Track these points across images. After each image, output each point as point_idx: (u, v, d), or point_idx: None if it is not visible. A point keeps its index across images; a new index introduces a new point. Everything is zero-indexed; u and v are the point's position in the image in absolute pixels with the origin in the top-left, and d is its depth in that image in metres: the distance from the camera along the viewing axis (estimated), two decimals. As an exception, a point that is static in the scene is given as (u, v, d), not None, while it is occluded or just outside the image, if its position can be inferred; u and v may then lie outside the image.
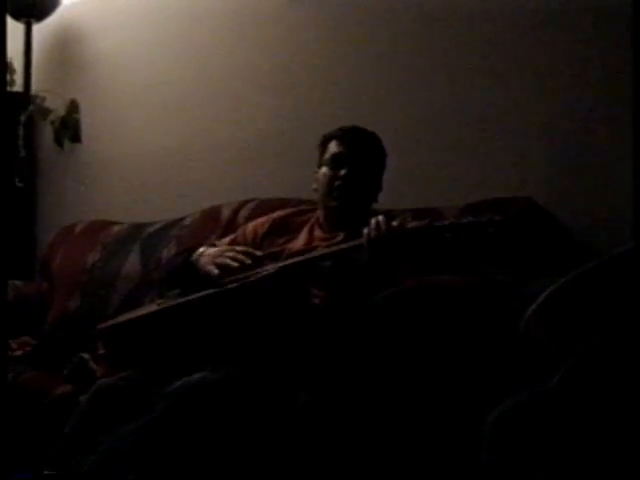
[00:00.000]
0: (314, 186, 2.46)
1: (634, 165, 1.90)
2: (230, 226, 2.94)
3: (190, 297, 2.31)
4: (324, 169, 2.42)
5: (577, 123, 2.53)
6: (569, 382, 1.51)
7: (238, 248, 2.37)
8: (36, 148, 3.98)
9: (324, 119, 2.92)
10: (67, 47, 3.94)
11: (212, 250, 2.41)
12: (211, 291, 2.27)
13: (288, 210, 2.63)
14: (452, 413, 1.95)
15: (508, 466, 1.53)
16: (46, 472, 2.18)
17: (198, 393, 2.03)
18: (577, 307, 1.62)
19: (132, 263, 3.17)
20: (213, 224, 3.04)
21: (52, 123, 3.81)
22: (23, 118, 3.79)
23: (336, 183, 2.38)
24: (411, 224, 2.19)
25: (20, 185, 3.80)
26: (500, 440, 1.56)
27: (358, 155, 2.39)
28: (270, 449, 2.03)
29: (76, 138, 3.80)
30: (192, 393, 2.03)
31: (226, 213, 3.05)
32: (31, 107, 3.79)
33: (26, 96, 3.80)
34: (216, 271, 2.30)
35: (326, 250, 2.32)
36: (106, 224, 3.45)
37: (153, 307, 2.42)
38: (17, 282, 3.35)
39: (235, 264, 2.29)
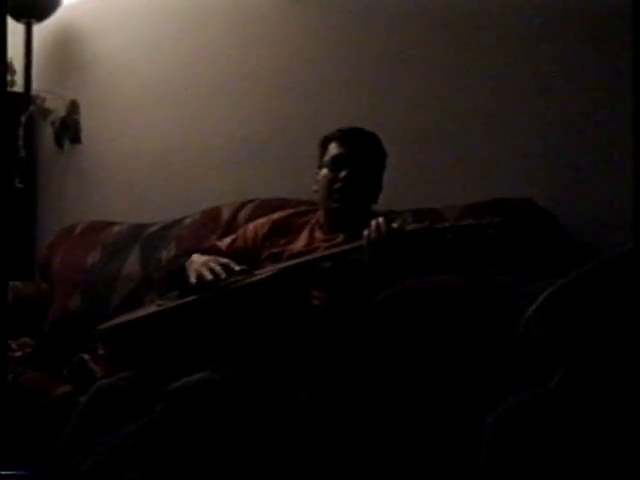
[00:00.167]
0: (314, 187, 2.46)
1: (634, 166, 1.90)
2: (230, 227, 2.94)
3: (190, 298, 2.31)
4: (324, 171, 2.42)
5: (577, 124, 2.53)
6: (569, 382, 1.52)
7: (221, 260, 2.36)
8: (36, 149, 3.98)
9: (324, 119, 2.92)
10: (67, 48, 3.94)
11: (202, 259, 2.41)
12: (211, 292, 2.27)
13: (288, 211, 2.63)
14: (452, 413, 1.95)
15: (508, 466, 1.53)
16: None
17: (197, 393, 2.03)
18: (577, 307, 1.62)
19: (132, 264, 3.17)
20: (213, 225, 3.04)
21: (52, 124, 3.82)
22: (23, 119, 3.79)
23: (336, 185, 2.38)
24: (411, 226, 2.19)
25: (20, 185, 3.80)
26: (500, 440, 1.56)
27: (358, 156, 2.39)
28: (270, 449, 2.03)
29: (76, 139, 3.81)
30: (191, 393, 2.03)
31: (226, 214, 3.05)
32: (31, 108, 3.80)
33: (26, 97, 3.80)
34: (194, 280, 2.31)
35: (326, 252, 2.32)
36: (106, 225, 3.45)
37: (153, 308, 2.42)
38: (17, 283, 3.35)
39: (210, 276, 2.29)
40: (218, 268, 2.30)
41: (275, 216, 2.58)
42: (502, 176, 2.64)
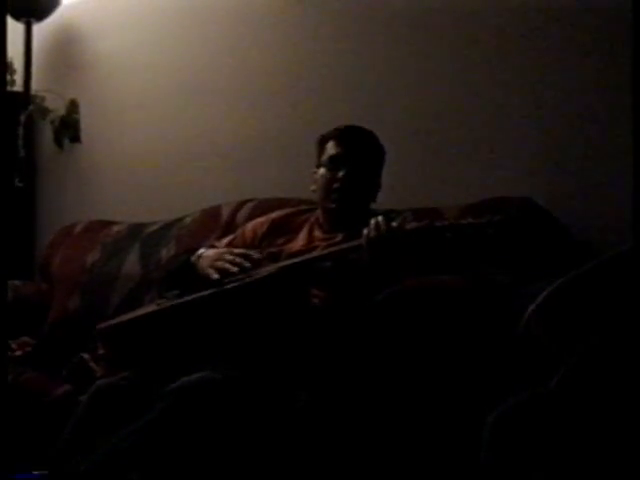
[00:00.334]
0: (312, 187, 2.46)
1: (634, 165, 1.90)
2: (229, 226, 2.94)
3: (190, 297, 2.31)
4: (322, 170, 2.42)
5: (577, 124, 2.53)
6: (569, 382, 1.52)
7: (236, 251, 2.36)
8: (36, 148, 3.98)
9: (324, 119, 2.91)
10: (67, 47, 3.94)
11: (211, 252, 2.40)
12: (211, 291, 2.27)
13: (287, 210, 2.62)
14: (452, 413, 1.95)
15: (508, 466, 1.53)
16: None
17: (197, 393, 2.03)
18: (576, 307, 1.62)
19: (132, 263, 3.17)
20: (212, 224, 3.04)
21: (52, 123, 3.82)
22: (23, 118, 3.79)
23: (334, 185, 2.38)
24: (410, 225, 2.18)
25: (20, 185, 3.80)
26: (500, 440, 1.56)
27: (356, 155, 2.38)
28: (270, 449, 2.03)
29: (76, 138, 3.81)
30: (191, 393, 2.03)
31: (225, 213, 3.05)
32: (31, 107, 3.80)
33: (26, 96, 3.80)
34: (216, 275, 2.29)
35: (325, 251, 2.32)
36: (106, 224, 3.45)
37: (153, 307, 2.41)
38: (17, 282, 3.34)
39: (234, 268, 2.28)
40: (239, 259, 2.29)
41: (274, 215, 2.58)
42: (502, 175, 2.64)
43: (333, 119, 2.65)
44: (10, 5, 3.39)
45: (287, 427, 2.04)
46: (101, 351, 2.54)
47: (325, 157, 2.42)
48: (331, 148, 2.42)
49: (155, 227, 3.25)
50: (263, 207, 2.88)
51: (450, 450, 1.91)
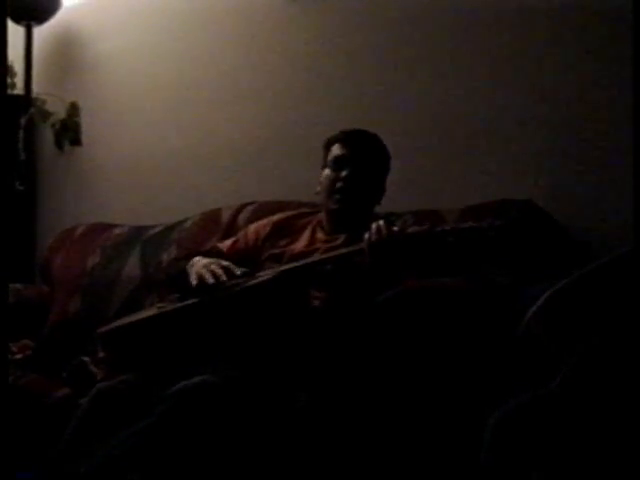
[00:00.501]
0: (317, 189, 2.46)
1: (634, 167, 1.90)
2: (230, 229, 2.94)
3: (191, 301, 2.31)
4: (326, 171, 2.43)
5: (577, 125, 2.53)
6: (570, 383, 1.52)
7: (223, 263, 2.35)
8: (36, 151, 3.98)
9: (324, 122, 2.92)
10: (68, 50, 3.94)
11: (204, 261, 2.40)
12: (212, 294, 2.27)
13: (289, 213, 2.63)
14: (453, 414, 1.95)
15: (509, 467, 1.53)
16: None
17: (197, 396, 2.03)
18: (577, 308, 1.62)
19: (132, 266, 3.17)
20: (213, 227, 3.04)
21: (52, 126, 3.81)
22: (23, 121, 3.78)
23: (337, 185, 2.38)
24: (412, 228, 2.18)
25: (20, 188, 3.80)
26: (501, 441, 1.56)
27: (360, 157, 2.39)
28: (270, 450, 2.03)
29: (76, 141, 3.80)
30: (191, 396, 2.03)
31: (226, 216, 3.05)
32: (31, 110, 3.79)
33: (27, 99, 3.80)
34: (195, 282, 2.31)
35: (326, 254, 2.32)
36: (106, 227, 3.45)
37: (153, 310, 2.41)
38: (17, 285, 3.34)
39: (211, 280, 2.28)
40: (219, 271, 2.29)
41: (276, 217, 2.58)
42: (502, 178, 2.64)
43: (334, 122, 2.66)
44: (11, 8, 3.40)
45: (287, 428, 2.04)
46: (101, 354, 2.54)
47: (330, 158, 2.43)
48: (336, 150, 2.43)
49: (156, 230, 3.25)
50: (263, 210, 2.88)
51: (451, 450, 1.91)
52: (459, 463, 1.86)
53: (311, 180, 2.50)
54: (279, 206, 2.82)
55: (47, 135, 3.87)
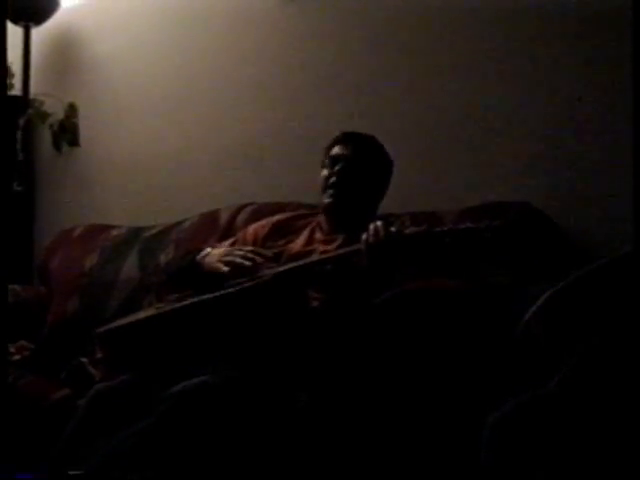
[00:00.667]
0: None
1: (634, 168, 1.90)
2: (228, 230, 2.94)
3: (189, 301, 2.31)
4: (324, 171, 2.44)
5: (575, 126, 2.53)
6: (569, 383, 1.52)
7: (246, 248, 2.37)
8: (34, 152, 3.98)
9: (323, 123, 2.93)
10: (66, 51, 3.94)
11: (218, 250, 2.42)
12: (210, 295, 2.27)
13: (288, 214, 2.64)
14: (452, 414, 1.95)
15: (508, 467, 1.53)
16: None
17: (197, 396, 2.03)
18: (576, 309, 1.62)
19: (130, 267, 3.17)
20: (211, 228, 3.04)
21: (51, 127, 3.81)
22: (21, 122, 3.78)
23: (331, 180, 2.40)
24: (409, 229, 2.19)
25: (18, 189, 3.80)
26: (500, 441, 1.56)
27: (355, 155, 2.42)
28: (270, 450, 2.03)
29: (74, 142, 3.80)
30: (191, 396, 2.03)
31: (224, 217, 3.05)
32: (29, 111, 3.79)
33: (25, 100, 3.80)
34: (225, 268, 2.31)
35: (324, 255, 2.32)
36: (104, 228, 3.45)
37: (152, 311, 2.41)
38: (15, 286, 3.34)
39: (246, 262, 2.29)
40: (251, 254, 2.30)
41: (275, 218, 2.59)
42: (500, 179, 2.65)
43: (332, 123, 2.66)
44: (9, 9, 3.39)
45: (288, 428, 2.04)
46: (99, 355, 2.54)
47: (327, 158, 2.44)
48: (335, 150, 2.45)
49: (154, 231, 3.25)
50: (262, 211, 2.88)
51: (450, 451, 1.92)
52: (458, 463, 1.86)
53: (310, 181, 2.50)
54: (278, 207, 2.83)
55: (45, 136, 3.87)
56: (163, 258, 3.09)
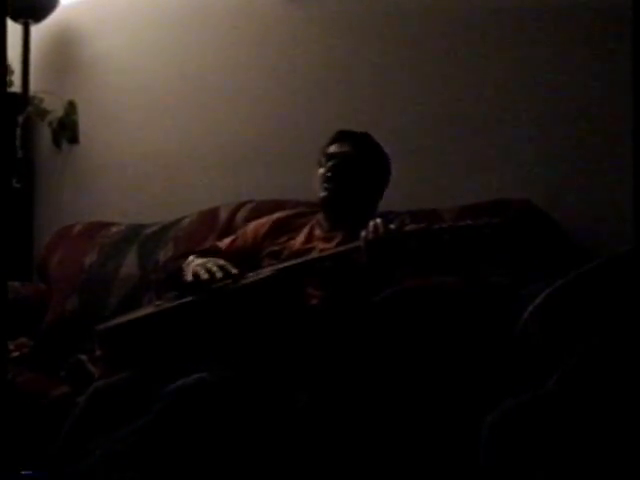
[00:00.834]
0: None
1: (634, 166, 1.91)
2: (228, 228, 2.94)
3: (188, 299, 2.31)
4: (320, 169, 2.45)
5: (576, 125, 2.53)
6: (569, 382, 1.52)
7: (219, 262, 2.36)
8: (34, 149, 3.97)
9: (322, 121, 2.92)
10: (65, 48, 3.94)
11: (199, 260, 2.41)
12: (210, 293, 2.27)
13: (288, 211, 2.64)
14: (451, 414, 1.95)
15: (507, 466, 1.53)
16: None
17: (195, 394, 2.03)
18: (575, 308, 1.62)
19: (130, 264, 3.17)
20: (211, 226, 3.04)
21: (50, 124, 3.81)
22: (21, 119, 3.78)
23: (326, 175, 2.41)
24: (409, 227, 2.19)
25: (18, 186, 3.79)
26: (499, 441, 1.56)
27: (351, 152, 2.43)
28: (270, 450, 2.03)
29: (74, 139, 3.80)
30: (189, 394, 2.03)
31: (224, 215, 3.05)
32: (29, 108, 3.79)
33: (24, 97, 3.79)
34: (190, 278, 2.32)
35: (324, 252, 2.32)
36: (104, 225, 3.44)
37: (151, 309, 2.41)
38: (15, 283, 3.34)
39: (206, 276, 2.28)
40: (215, 268, 2.30)
41: (275, 216, 2.60)
42: (500, 177, 2.65)
43: (332, 121, 2.66)
44: (8, 6, 3.39)
45: (288, 428, 2.04)
46: (99, 352, 2.53)
47: (324, 157, 2.45)
48: (330, 148, 2.47)
49: (153, 228, 3.25)
50: (261, 209, 2.88)
51: (450, 450, 1.92)
52: (458, 463, 1.86)
53: (310, 179, 2.50)
54: (277, 205, 2.83)
55: (44, 133, 3.87)
56: (162, 256, 3.09)
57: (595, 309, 1.60)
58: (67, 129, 3.79)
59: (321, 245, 2.39)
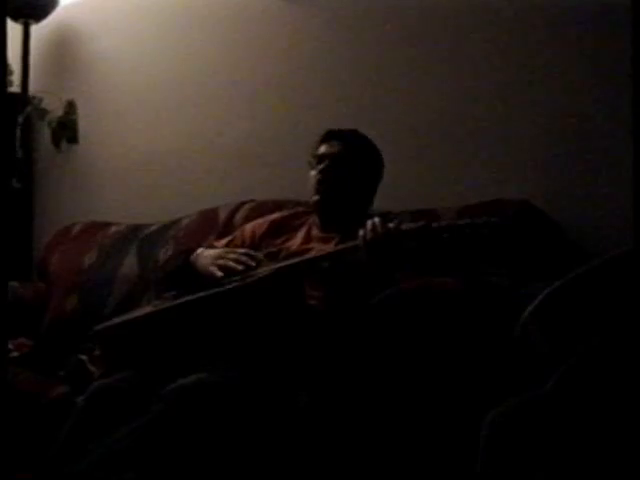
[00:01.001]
0: None
1: (634, 166, 1.90)
2: (227, 228, 2.94)
3: (187, 298, 2.31)
4: (312, 171, 2.45)
5: (575, 124, 2.53)
6: (568, 382, 1.52)
7: (239, 250, 2.37)
8: (33, 149, 3.97)
9: (321, 121, 2.91)
10: (65, 48, 3.94)
11: (212, 251, 2.41)
12: (209, 292, 2.27)
13: (286, 212, 2.64)
14: (451, 414, 1.95)
15: (507, 466, 1.53)
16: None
17: (194, 394, 2.03)
18: (574, 308, 1.62)
19: (129, 264, 3.17)
20: (210, 225, 3.04)
21: (49, 124, 3.81)
22: (20, 119, 3.78)
23: (317, 177, 2.41)
24: (407, 225, 2.19)
25: (17, 186, 3.79)
26: (499, 441, 1.56)
27: (340, 152, 2.43)
28: (270, 450, 2.03)
29: (73, 139, 3.80)
30: (188, 394, 2.03)
31: (223, 215, 3.05)
32: (28, 108, 3.79)
33: (24, 97, 3.79)
34: (219, 273, 2.30)
35: (322, 252, 2.32)
36: (103, 225, 3.45)
37: (150, 308, 2.41)
38: (14, 283, 3.34)
39: (239, 267, 2.28)
40: (244, 257, 2.30)
41: (273, 217, 2.59)
42: (499, 177, 2.64)
43: (330, 121, 2.66)
44: (8, 6, 3.39)
45: (288, 428, 2.04)
46: (98, 352, 2.54)
47: (314, 158, 2.45)
48: (319, 150, 2.47)
49: (153, 228, 3.25)
50: (260, 209, 2.88)
51: (449, 450, 1.92)
52: (458, 463, 1.86)
53: (308, 179, 2.50)
54: (276, 205, 2.83)
55: (44, 133, 3.87)
56: (162, 255, 3.09)
57: (595, 309, 1.59)
58: (67, 129, 3.79)
59: (319, 246, 2.39)
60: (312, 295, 2.29)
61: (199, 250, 2.44)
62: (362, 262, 2.17)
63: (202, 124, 3.44)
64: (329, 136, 2.47)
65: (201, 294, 2.27)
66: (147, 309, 2.42)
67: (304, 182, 2.52)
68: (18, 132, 3.78)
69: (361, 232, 2.16)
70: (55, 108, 3.79)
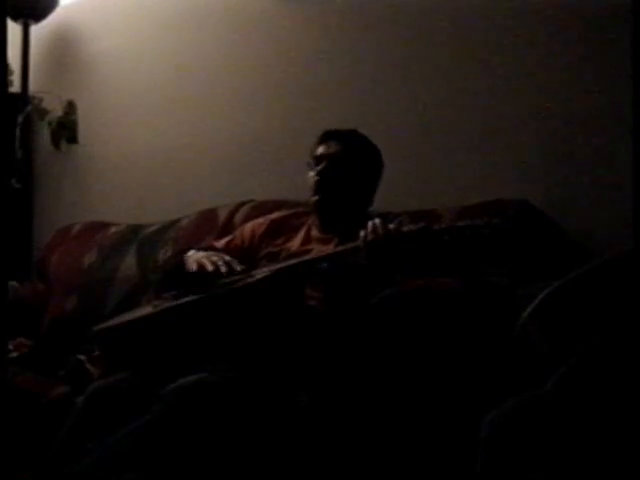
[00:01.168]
0: None
1: (633, 167, 1.90)
2: (226, 228, 2.94)
3: (187, 299, 2.31)
4: (310, 172, 2.44)
5: (575, 125, 2.53)
6: (568, 382, 1.52)
7: (224, 257, 2.36)
8: (33, 149, 3.98)
9: (320, 121, 2.91)
10: (65, 48, 3.94)
11: (203, 253, 2.41)
12: (209, 293, 2.27)
13: (286, 212, 2.64)
14: (451, 414, 1.95)
15: (507, 466, 1.53)
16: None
17: (194, 394, 2.03)
18: (574, 309, 1.62)
19: (128, 264, 3.17)
20: (210, 226, 3.04)
21: (49, 124, 3.81)
22: (20, 119, 3.78)
23: (315, 179, 2.40)
24: (407, 227, 2.19)
25: (17, 186, 3.79)
26: (499, 441, 1.56)
27: (338, 152, 2.42)
28: (270, 450, 2.03)
29: (73, 139, 3.81)
30: (188, 394, 2.03)
31: (222, 215, 3.05)
32: (28, 108, 3.80)
33: (23, 97, 3.80)
34: (195, 268, 2.32)
35: (323, 252, 2.32)
36: (103, 225, 3.45)
37: (149, 309, 2.41)
38: (14, 283, 3.34)
39: (211, 267, 2.29)
40: (220, 262, 2.30)
41: (273, 216, 2.59)
42: (499, 178, 2.65)
43: (330, 121, 2.65)
44: (8, 6, 3.39)
45: (288, 428, 2.04)
46: (97, 352, 2.53)
47: (312, 159, 2.45)
48: (317, 150, 2.46)
49: (152, 229, 3.25)
50: (260, 209, 2.88)
51: (449, 451, 1.92)
52: (458, 463, 1.86)
53: (307, 179, 2.50)
54: (276, 205, 2.83)
55: (44, 133, 3.87)
56: (162, 256, 3.10)
57: (595, 309, 1.60)
58: (66, 129, 3.79)
59: (319, 247, 2.39)
60: (312, 296, 2.29)
61: (191, 252, 2.44)
62: (362, 263, 2.17)
63: (202, 124, 3.44)
64: (327, 137, 2.46)
65: (201, 295, 2.27)
66: (147, 309, 2.42)
67: (304, 182, 2.52)
68: (18, 132, 3.79)
69: (362, 233, 2.16)
70: (55, 108, 3.79)
